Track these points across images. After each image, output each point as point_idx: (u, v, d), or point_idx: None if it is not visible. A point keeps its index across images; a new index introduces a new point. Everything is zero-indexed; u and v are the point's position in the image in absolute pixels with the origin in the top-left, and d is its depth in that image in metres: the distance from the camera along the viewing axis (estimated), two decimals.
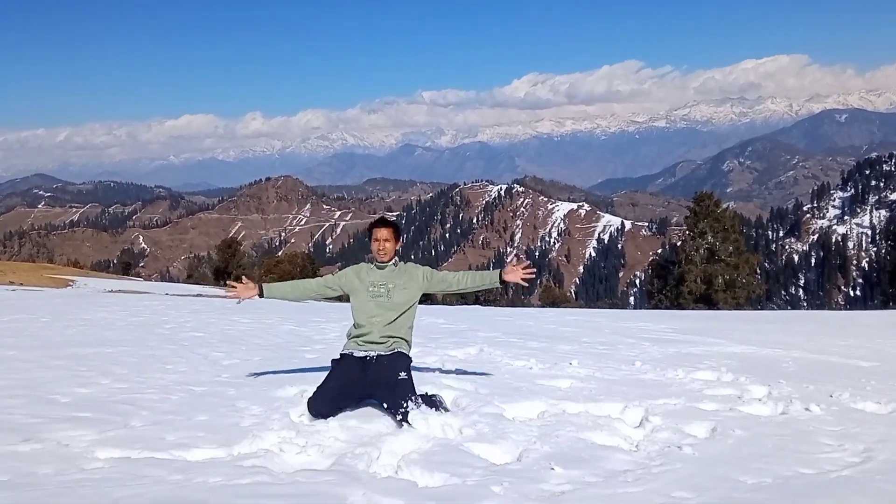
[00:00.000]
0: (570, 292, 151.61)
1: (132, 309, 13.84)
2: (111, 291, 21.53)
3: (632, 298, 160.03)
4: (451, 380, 5.56)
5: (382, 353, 4.67)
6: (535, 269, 4.98)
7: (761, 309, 47.98)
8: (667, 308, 36.37)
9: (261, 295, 5.04)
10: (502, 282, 4.93)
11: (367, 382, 4.55)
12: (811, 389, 5.57)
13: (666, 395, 5.14)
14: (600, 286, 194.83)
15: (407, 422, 4.06)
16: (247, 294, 5.01)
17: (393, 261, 4.92)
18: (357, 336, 4.77)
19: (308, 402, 4.40)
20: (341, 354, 4.79)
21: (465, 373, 5.97)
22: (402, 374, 4.50)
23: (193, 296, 22.13)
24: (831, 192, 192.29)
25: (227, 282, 5.15)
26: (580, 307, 61.45)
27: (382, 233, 4.88)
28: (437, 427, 4.01)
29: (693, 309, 33.67)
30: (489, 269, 5.19)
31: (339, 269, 5.80)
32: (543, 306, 53.96)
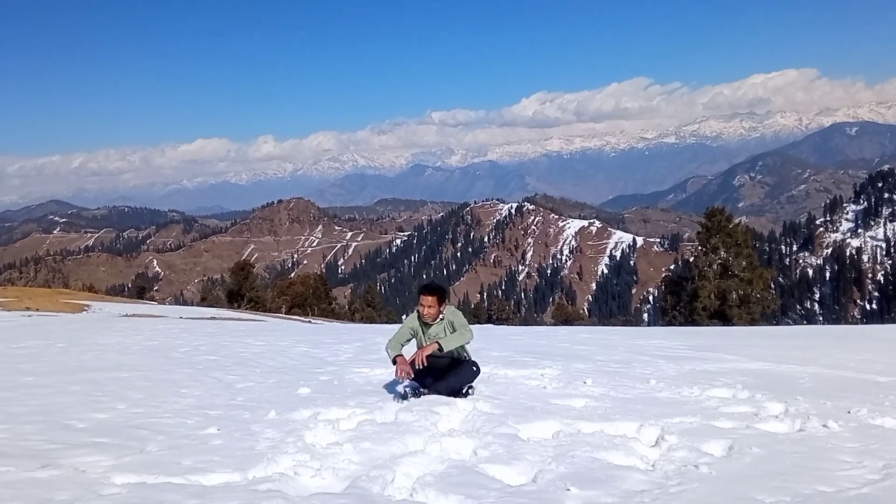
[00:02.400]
0: (583, 310, 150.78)
1: (147, 333, 13.91)
2: (126, 316, 21.65)
3: (645, 315, 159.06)
4: (465, 401, 5.55)
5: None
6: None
7: (777, 324, 47.58)
8: (681, 324, 36.12)
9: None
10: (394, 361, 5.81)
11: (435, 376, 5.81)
12: (828, 406, 5.51)
13: (682, 414, 5.11)
14: (613, 303, 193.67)
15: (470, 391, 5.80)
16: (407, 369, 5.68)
17: (438, 319, 5.88)
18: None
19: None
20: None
21: (478, 393, 5.95)
22: (466, 361, 5.91)
23: (207, 319, 22.20)
24: (844, 205, 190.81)
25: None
26: (593, 324, 61.17)
27: (427, 300, 5.83)
28: (467, 407, 5.19)
29: (708, 325, 33.42)
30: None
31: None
32: (556, 324, 53.75)
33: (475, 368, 5.95)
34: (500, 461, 3.86)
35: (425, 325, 5.92)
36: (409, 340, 6.05)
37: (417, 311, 5.95)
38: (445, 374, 5.82)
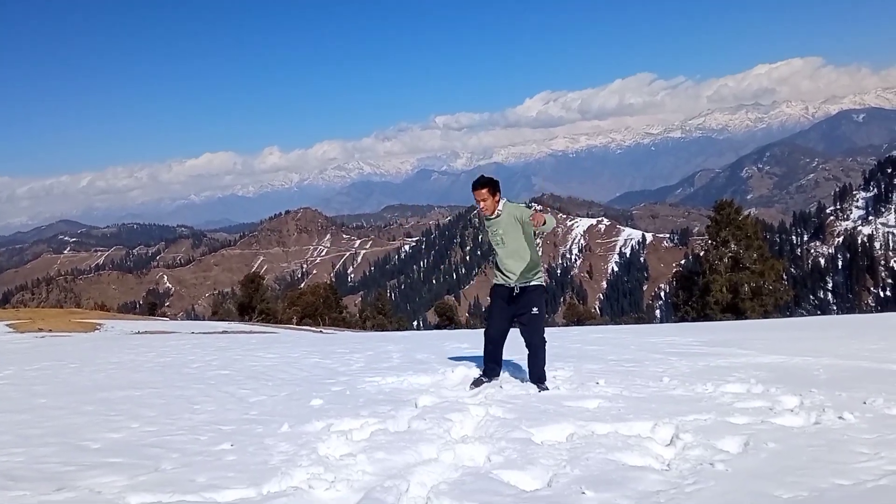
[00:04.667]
0: (595, 308, 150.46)
1: (159, 350, 13.95)
2: (138, 333, 21.73)
3: (658, 311, 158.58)
4: (477, 406, 5.54)
5: (521, 284, 6.09)
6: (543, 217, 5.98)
7: (790, 315, 47.32)
8: (693, 319, 35.97)
9: None
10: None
11: (515, 308, 6.16)
12: (844, 397, 5.46)
13: (696, 411, 5.08)
14: (625, 300, 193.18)
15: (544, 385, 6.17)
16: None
17: (496, 212, 6.02)
18: (497, 269, 6.25)
19: (484, 333, 6.36)
20: (495, 284, 6.30)
21: (490, 398, 5.93)
22: (535, 310, 6.11)
23: (219, 333, 22.26)
24: (854, 192, 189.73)
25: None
26: (605, 323, 60.99)
27: (480, 193, 5.96)
28: (479, 412, 5.20)
29: (720, 319, 33.26)
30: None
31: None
32: (568, 324, 53.64)
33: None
34: (514, 466, 3.84)
35: (487, 220, 6.14)
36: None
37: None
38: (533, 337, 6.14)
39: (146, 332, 21.80)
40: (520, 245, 6.08)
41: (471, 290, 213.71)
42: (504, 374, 6.96)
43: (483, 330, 6.46)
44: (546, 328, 6.31)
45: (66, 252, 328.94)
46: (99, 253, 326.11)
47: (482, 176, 6.08)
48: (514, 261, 6.09)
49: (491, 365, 6.48)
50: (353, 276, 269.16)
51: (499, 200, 6.02)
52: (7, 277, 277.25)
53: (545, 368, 6.34)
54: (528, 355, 6.29)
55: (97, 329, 24.08)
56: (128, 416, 5.86)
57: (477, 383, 6.39)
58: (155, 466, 4.06)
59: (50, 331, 22.04)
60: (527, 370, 6.46)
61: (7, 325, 24.49)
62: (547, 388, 6.12)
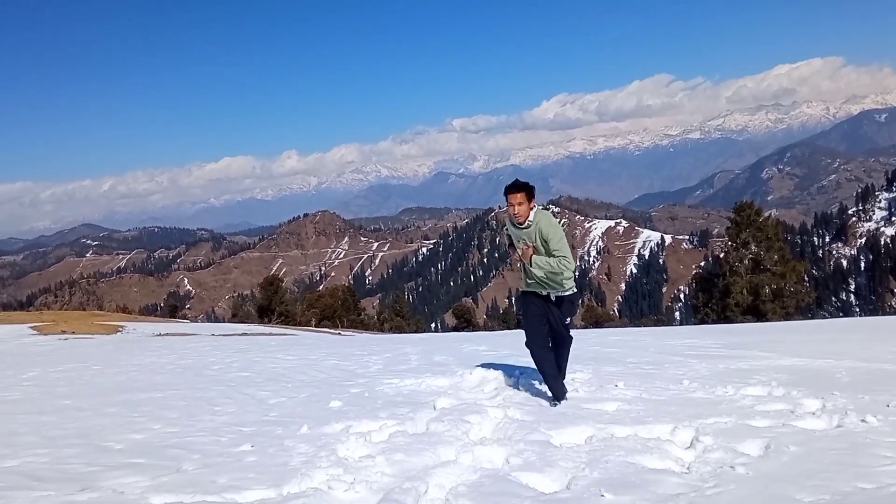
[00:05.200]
0: (614, 310, 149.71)
1: (180, 352, 14.08)
2: (159, 335, 21.94)
3: (677, 313, 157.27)
4: (495, 408, 5.54)
5: (550, 292, 5.72)
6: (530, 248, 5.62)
7: (812, 317, 46.78)
8: (714, 321, 35.67)
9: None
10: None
11: (549, 317, 5.78)
12: (866, 400, 5.40)
13: (716, 414, 5.04)
14: (644, 303, 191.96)
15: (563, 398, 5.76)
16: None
17: (528, 221, 5.56)
18: (528, 279, 5.82)
19: (527, 347, 5.84)
20: (523, 292, 5.94)
21: (509, 399, 5.93)
22: (568, 320, 5.83)
23: (239, 335, 22.42)
24: (876, 193, 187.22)
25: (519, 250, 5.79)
26: (624, 325, 60.64)
27: (516, 197, 5.49)
28: (498, 415, 5.19)
29: (741, 321, 32.96)
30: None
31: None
32: (587, 326, 53.40)
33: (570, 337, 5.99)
34: (533, 469, 3.84)
35: (517, 227, 5.66)
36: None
37: (510, 219, 5.75)
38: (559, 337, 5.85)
39: (167, 335, 22.00)
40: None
41: (488, 292, 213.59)
42: (521, 378, 6.95)
43: (525, 344, 5.90)
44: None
45: (88, 255, 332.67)
46: (120, 256, 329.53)
47: (518, 179, 5.66)
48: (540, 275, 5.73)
49: (555, 382, 5.86)
50: (371, 278, 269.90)
51: (532, 208, 5.59)
52: (31, 280, 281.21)
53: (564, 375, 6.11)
54: (557, 353, 5.95)
55: (119, 331, 24.34)
56: (150, 417, 5.92)
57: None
58: (177, 467, 4.11)
59: (73, 333, 22.32)
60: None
61: (31, 327, 24.82)
62: (564, 389, 5.91)
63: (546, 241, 5.47)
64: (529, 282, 5.79)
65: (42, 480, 3.84)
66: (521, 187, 5.50)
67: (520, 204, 5.46)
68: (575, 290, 5.78)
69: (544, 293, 5.72)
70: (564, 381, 6.06)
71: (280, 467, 4.02)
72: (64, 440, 4.99)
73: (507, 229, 5.91)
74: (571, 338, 6.02)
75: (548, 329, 5.80)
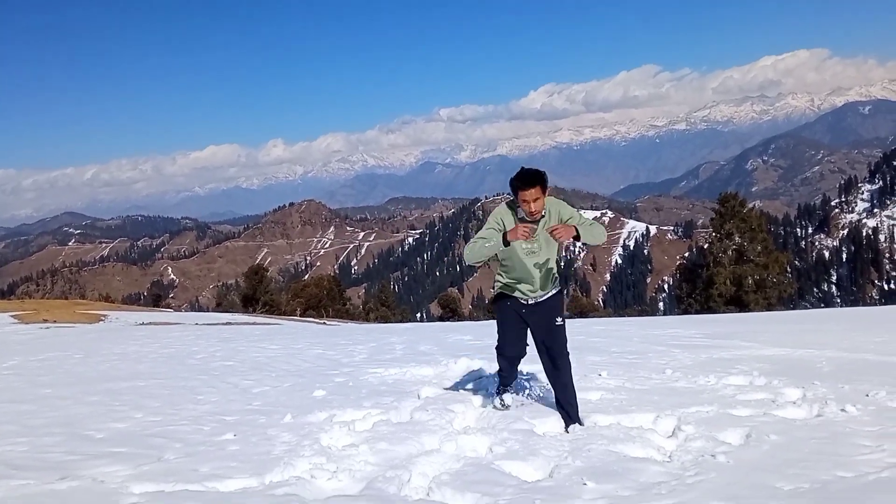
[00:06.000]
0: (598, 301, 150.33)
1: (163, 341, 14.00)
2: (142, 324, 21.80)
3: (661, 304, 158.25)
4: (479, 397, 5.55)
5: (540, 298, 4.82)
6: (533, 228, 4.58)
7: (794, 308, 47.21)
8: (697, 312, 35.94)
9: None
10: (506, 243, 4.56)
11: (531, 324, 4.88)
12: (847, 389, 5.46)
13: (698, 403, 5.08)
14: (628, 293, 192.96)
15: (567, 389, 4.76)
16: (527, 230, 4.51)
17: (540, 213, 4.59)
18: (515, 283, 4.83)
19: (497, 351, 5.12)
20: (502, 294, 4.95)
21: (493, 389, 5.93)
22: (559, 320, 4.81)
23: (223, 324, 22.31)
24: (859, 185, 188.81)
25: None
26: (609, 316, 60.97)
27: (529, 193, 4.45)
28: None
29: (724, 311, 33.23)
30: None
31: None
32: (571, 316, 53.60)
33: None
34: (516, 457, 3.86)
35: (526, 222, 4.59)
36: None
37: (511, 208, 4.68)
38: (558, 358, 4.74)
39: (150, 324, 21.87)
40: (552, 251, 4.77)
41: (474, 282, 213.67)
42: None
43: (496, 347, 5.18)
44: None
45: (70, 244, 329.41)
46: (104, 245, 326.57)
47: (528, 169, 4.53)
48: (542, 272, 4.76)
49: (505, 377, 5.28)
50: (356, 268, 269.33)
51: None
52: (12, 269, 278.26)
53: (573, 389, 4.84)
54: (554, 382, 4.85)
55: (101, 320, 24.16)
56: (132, 406, 5.89)
57: (502, 404, 5.16)
58: (158, 456, 4.08)
59: (55, 322, 22.13)
60: (526, 364, 5.40)
61: (12, 316, 24.59)
62: (583, 424, 4.67)
63: (561, 215, 4.64)
64: (521, 289, 4.82)
65: (21, 469, 3.81)
66: (536, 179, 4.46)
67: (536, 200, 4.46)
68: (559, 285, 4.95)
69: (531, 301, 4.82)
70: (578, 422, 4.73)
71: (263, 456, 4.00)
72: (44, 429, 4.95)
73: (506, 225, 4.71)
74: (568, 354, 4.82)
75: (525, 343, 5.00)
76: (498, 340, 5.11)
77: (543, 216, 4.60)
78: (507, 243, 4.52)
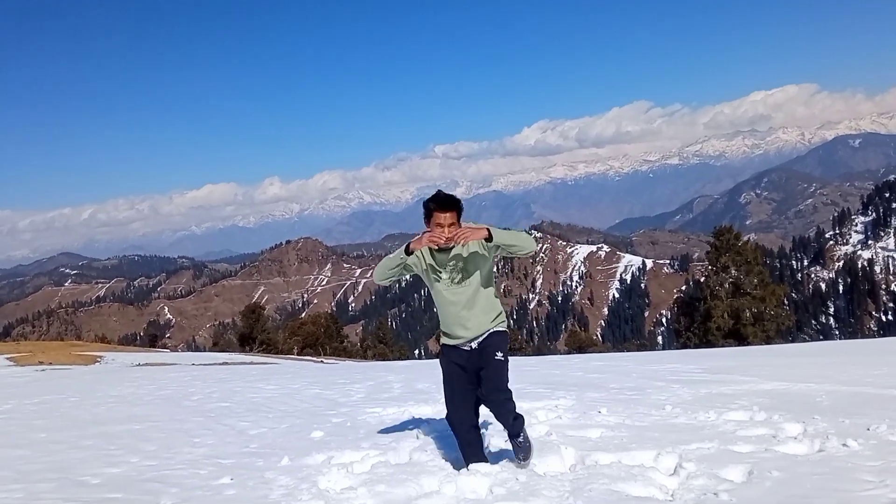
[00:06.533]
0: (597, 335, 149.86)
1: (159, 382, 13.89)
2: (138, 365, 21.65)
3: (660, 337, 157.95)
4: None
5: (481, 338, 4.34)
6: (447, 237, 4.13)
7: (792, 340, 47.17)
8: (696, 345, 35.85)
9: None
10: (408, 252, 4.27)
11: (475, 365, 4.34)
12: (847, 424, 5.43)
13: (699, 439, 5.05)
14: (626, 327, 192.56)
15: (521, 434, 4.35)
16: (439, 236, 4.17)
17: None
18: (450, 327, 4.41)
19: (447, 420, 4.53)
20: (443, 346, 4.50)
21: (491, 429, 5.89)
22: (499, 354, 4.28)
23: (219, 364, 22.18)
24: (852, 217, 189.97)
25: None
26: (607, 350, 60.75)
27: (446, 217, 4.12)
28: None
29: (722, 345, 33.15)
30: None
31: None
32: (570, 352, 53.39)
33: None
34: (516, 498, 3.81)
35: (440, 251, 4.25)
36: (402, 268, 4.36)
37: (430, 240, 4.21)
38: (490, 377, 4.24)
39: (146, 365, 21.72)
40: (483, 278, 4.33)
41: None
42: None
43: (445, 416, 4.59)
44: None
45: (66, 284, 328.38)
46: (100, 285, 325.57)
47: (442, 192, 4.24)
48: (474, 306, 4.32)
49: (471, 449, 4.52)
50: (353, 305, 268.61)
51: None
52: (8, 310, 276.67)
53: (519, 421, 4.38)
54: (492, 411, 4.40)
55: (97, 362, 23.99)
56: (127, 450, 5.83)
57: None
58: (154, 501, 4.03)
59: (50, 364, 21.97)
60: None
61: (8, 358, 24.40)
62: (528, 444, 4.43)
63: (488, 242, 4.12)
64: (457, 332, 4.38)
65: None
66: (453, 204, 4.16)
67: (451, 225, 4.11)
68: (504, 326, 4.46)
69: (470, 347, 4.35)
70: (523, 436, 4.44)
71: (260, 500, 3.96)
72: (39, 474, 4.88)
73: (416, 264, 4.37)
74: (509, 392, 4.31)
75: (475, 396, 4.40)
76: (446, 405, 4.53)
77: (461, 245, 4.18)
78: (409, 252, 4.23)
